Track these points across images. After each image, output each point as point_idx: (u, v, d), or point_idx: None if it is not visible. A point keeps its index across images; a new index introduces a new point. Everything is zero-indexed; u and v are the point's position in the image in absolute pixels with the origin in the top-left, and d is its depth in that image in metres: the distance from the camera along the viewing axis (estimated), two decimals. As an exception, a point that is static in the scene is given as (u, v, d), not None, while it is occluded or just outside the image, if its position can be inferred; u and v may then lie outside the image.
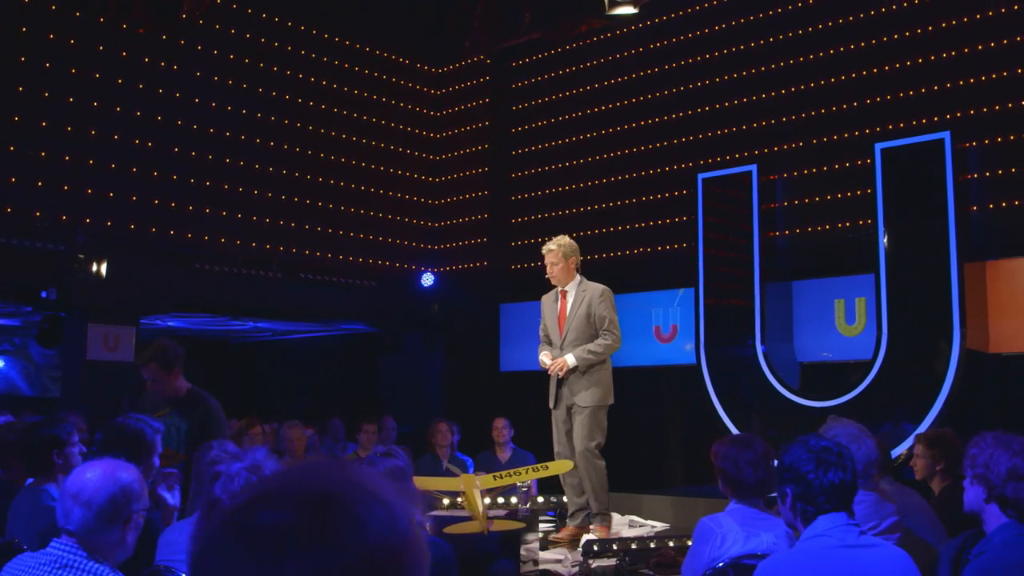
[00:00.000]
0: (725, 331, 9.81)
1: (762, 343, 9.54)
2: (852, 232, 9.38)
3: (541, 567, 5.42)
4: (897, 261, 8.69)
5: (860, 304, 9.45)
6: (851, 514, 3.07)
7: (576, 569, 5.26)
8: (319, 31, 11.44)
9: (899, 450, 8.16)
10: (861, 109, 9.30)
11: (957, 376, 8.31)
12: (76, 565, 2.77)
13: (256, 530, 0.96)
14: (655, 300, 10.79)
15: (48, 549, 2.86)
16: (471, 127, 12.45)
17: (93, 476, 2.86)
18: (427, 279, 11.87)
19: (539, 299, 11.77)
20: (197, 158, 10.18)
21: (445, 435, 8.90)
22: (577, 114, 11.57)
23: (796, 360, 9.82)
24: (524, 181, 12.02)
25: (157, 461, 4.29)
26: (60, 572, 2.76)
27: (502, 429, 8.91)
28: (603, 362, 6.84)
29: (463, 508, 5.98)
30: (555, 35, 10.96)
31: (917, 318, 8.58)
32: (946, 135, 8.49)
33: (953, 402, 8.29)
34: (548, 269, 7.02)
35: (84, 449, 4.74)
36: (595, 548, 5.34)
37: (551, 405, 6.94)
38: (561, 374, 6.78)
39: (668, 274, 10.55)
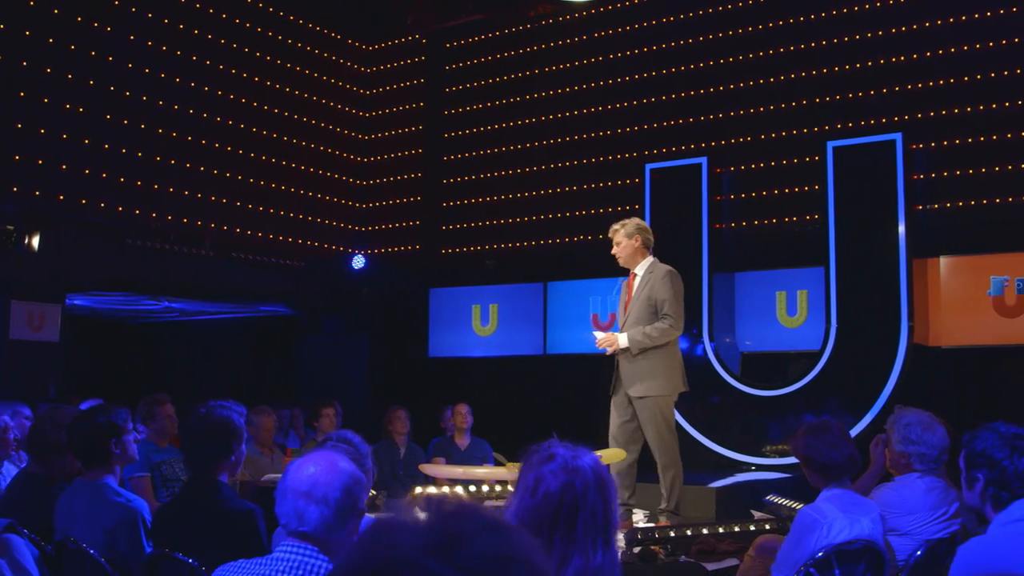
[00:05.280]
0: (670, 320, 9.90)
1: (709, 333, 9.70)
2: (798, 227, 9.65)
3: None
4: (847, 256, 8.98)
5: (802, 296, 9.74)
6: None
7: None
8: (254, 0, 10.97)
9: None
10: (814, 107, 9.55)
11: (904, 369, 8.67)
12: (323, 573, 2.51)
13: None
14: (594, 288, 10.83)
15: (278, 555, 2.56)
16: (404, 107, 12.19)
17: (318, 470, 2.60)
18: (358, 261, 11.57)
19: (470, 284, 11.79)
20: (129, 127, 9.61)
21: (403, 422, 8.68)
22: (515, 99, 11.47)
23: (738, 350, 10.04)
24: (457, 164, 11.85)
25: (245, 449, 4.02)
26: None
27: (466, 415, 8.78)
28: (664, 348, 6.36)
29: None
30: (502, 18, 10.85)
31: (865, 312, 8.90)
32: (898, 136, 8.83)
33: (898, 394, 8.63)
34: (614, 249, 6.57)
35: (140, 436, 4.40)
36: (638, 536, 5.30)
37: (610, 391, 6.52)
38: (609, 351, 6.36)
39: (611, 263, 10.59)
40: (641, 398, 6.36)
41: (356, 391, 11.84)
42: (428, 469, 7.71)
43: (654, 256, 6.64)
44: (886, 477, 4.99)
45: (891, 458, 4.77)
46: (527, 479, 2.36)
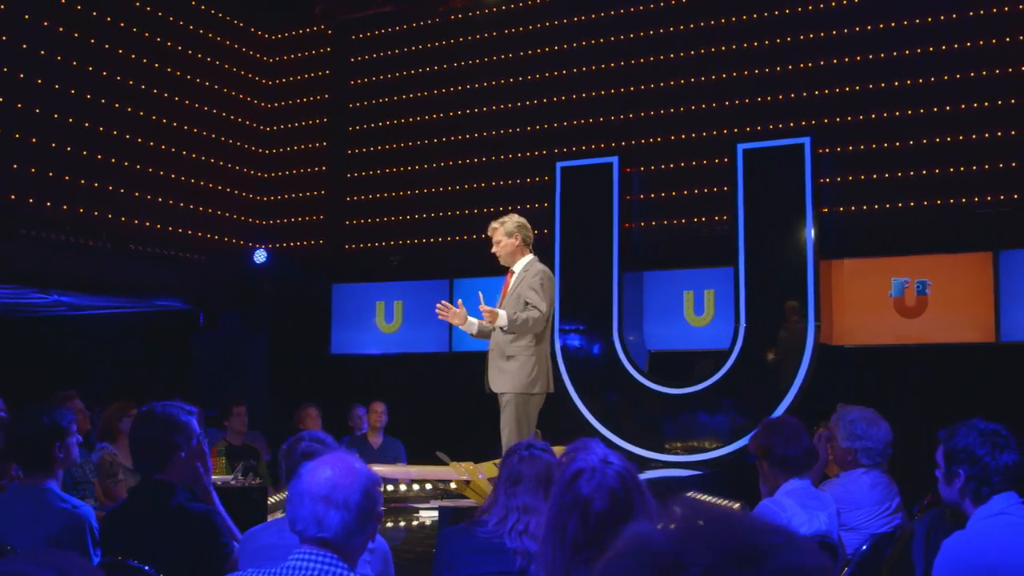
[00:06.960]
0: (580, 319, 9.94)
1: (619, 332, 9.76)
2: (707, 227, 9.81)
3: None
4: (756, 257, 9.16)
5: (709, 296, 9.90)
6: (1021, 493, 3.23)
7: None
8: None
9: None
10: (724, 110, 9.71)
11: (811, 367, 8.90)
12: None
13: None
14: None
15: (295, 563, 2.40)
16: (308, 99, 11.91)
17: (335, 472, 2.46)
18: (260, 256, 11.25)
19: (374, 280, 11.60)
20: (23, 112, 9.12)
21: (315, 420, 8.54)
22: (423, 94, 11.33)
23: (646, 348, 10.15)
24: (363, 158, 11.65)
25: (208, 445, 3.85)
26: None
27: (381, 414, 8.67)
28: (527, 347, 6.30)
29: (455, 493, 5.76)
30: (411, 11, 10.73)
31: (774, 312, 9.09)
32: (807, 140, 9.05)
33: (805, 391, 8.86)
34: (493, 248, 6.57)
35: (80, 439, 4.16)
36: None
37: (486, 389, 6.45)
38: (446, 318, 6.44)
39: (520, 260, 10.57)
40: (503, 393, 6.35)
41: (256, 389, 11.50)
42: (379, 469, 7.55)
43: (534, 254, 6.67)
44: (824, 476, 5.12)
45: (836, 455, 4.88)
46: (562, 477, 2.31)
